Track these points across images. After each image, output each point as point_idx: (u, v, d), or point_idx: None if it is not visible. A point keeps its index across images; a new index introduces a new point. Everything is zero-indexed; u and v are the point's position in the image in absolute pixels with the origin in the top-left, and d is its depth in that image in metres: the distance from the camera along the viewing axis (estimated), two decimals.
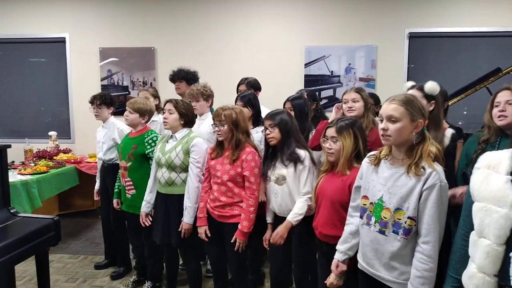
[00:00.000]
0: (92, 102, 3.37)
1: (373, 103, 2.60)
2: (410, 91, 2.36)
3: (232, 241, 2.39)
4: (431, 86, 2.28)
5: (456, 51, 4.96)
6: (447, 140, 2.28)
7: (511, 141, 1.88)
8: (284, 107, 2.94)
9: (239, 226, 2.37)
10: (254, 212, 2.38)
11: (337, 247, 1.88)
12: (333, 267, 1.88)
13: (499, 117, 1.96)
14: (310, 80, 5.05)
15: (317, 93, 4.58)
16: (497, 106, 1.99)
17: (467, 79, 4.18)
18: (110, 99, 3.42)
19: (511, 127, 1.94)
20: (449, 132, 2.31)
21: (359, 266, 1.78)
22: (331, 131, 2.03)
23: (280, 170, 2.34)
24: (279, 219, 2.43)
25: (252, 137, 2.54)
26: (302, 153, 2.32)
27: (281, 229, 2.31)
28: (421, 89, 2.32)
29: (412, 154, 1.59)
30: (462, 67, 4.92)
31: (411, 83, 2.54)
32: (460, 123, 4.82)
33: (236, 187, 2.41)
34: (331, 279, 1.89)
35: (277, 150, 2.40)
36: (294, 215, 2.28)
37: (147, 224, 2.80)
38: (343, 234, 1.88)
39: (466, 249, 1.38)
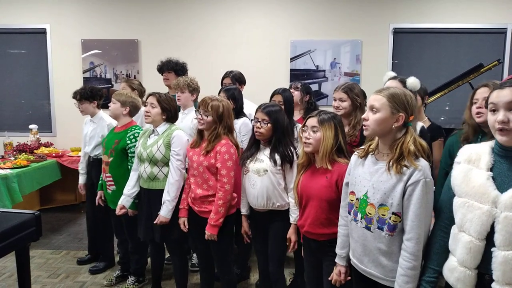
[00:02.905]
0: (75, 97, 3.29)
1: (361, 101, 2.58)
2: (390, 81, 2.39)
3: (206, 237, 2.36)
4: (413, 82, 2.31)
5: (439, 46, 5.03)
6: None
7: (489, 139, 1.91)
8: (271, 99, 2.89)
9: (208, 219, 2.35)
10: (223, 205, 2.33)
11: (337, 251, 1.84)
12: (337, 273, 1.84)
13: (477, 113, 1.99)
14: (295, 74, 5.05)
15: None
16: (475, 103, 2.01)
17: (450, 75, 4.25)
18: (91, 92, 3.29)
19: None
20: (418, 125, 2.29)
21: (351, 262, 1.76)
22: (312, 121, 1.99)
23: (262, 163, 2.31)
24: (255, 213, 2.43)
25: (235, 134, 2.51)
26: (293, 150, 2.30)
27: (293, 236, 2.28)
28: (402, 82, 2.34)
29: (392, 150, 1.57)
30: (444, 62, 5.00)
31: (392, 73, 2.55)
32: (442, 118, 4.91)
33: (211, 179, 2.37)
34: (335, 277, 1.87)
35: (260, 144, 2.38)
36: (295, 217, 2.26)
37: (120, 213, 2.74)
38: (339, 238, 1.83)
39: (446, 240, 1.41)
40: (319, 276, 2.06)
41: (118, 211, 2.74)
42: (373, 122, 1.57)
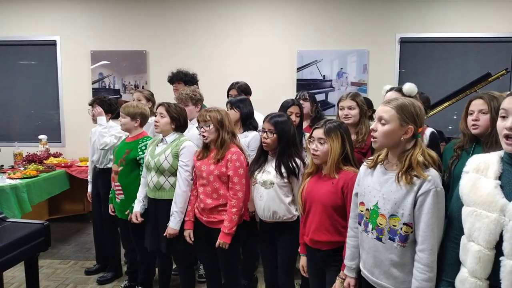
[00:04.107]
0: (91, 104, 3.34)
1: (366, 108, 2.60)
2: (390, 94, 2.40)
3: (217, 244, 2.35)
4: (409, 87, 2.32)
5: (446, 56, 5.01)
6: (425, 140, 2.30)
7: (483, 148, 1.91)
8: (286, 110, 2.86)
9: (221, 227, 2.35)
10: (236, 213, 2.34)
11: (347, 263, 1.81)
12: (346, 285, 1.82)
13: (472, 125, 2.00)
14: (302, 84, 5.06)
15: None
16: (471, 114, 2.02)
17: (458, 84, 4.23)
18: (110, 106, 3.37)
19: (485, 135, 1.97)
20: (428, 131, 2.31)
21: (361, 273, 1.75)
22: (318, 133, 1.98)
23: (269, 175, 2.31)
24: (264, 225, 2.42)
25: (238, 139, 2.53)
26: (299, 162, 2.30)
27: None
28: (399, 90, 2.36)
29: (401, 161, 1.56)
30: (452, 72, 4.98)
31: (389, 86, 2.58)
32: (450, 127, 4.87)
33: (222, 188, 2.38)
34: (337, 287, 1.86)
35: (268, 154, 2.38)
36: None
37: (138, 221, 2.73)
38: (348, 249, 1.81)
39: (457, 251, 1.39)
40: (323, 286, 2.03)
41: (134, 219, 2.73)
42: (381, 134, 1.57)
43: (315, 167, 2.05)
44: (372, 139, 1.62)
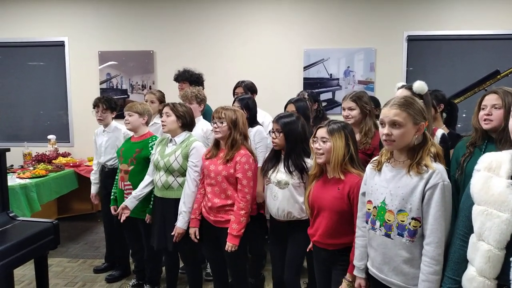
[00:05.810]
0: (96, 105, 3.35)
1: (371, 108, 2.58)
2: (399, 91, 2.38)
3: (226, 248, 2.35)
4: (419, 86, 2.30)
5: (454, 54, 4.98)
6: (436, 141, 2.27)
7: (496, 145, 1.90)
8: (285, 109, 2.90)
9: (229, 229, 2.35)
10: (245, 215, 2.35)
11: (356, 263, 1.81)
12: (357, 286, 1.82)
13: (485, 120, 1.97)
14: (309, 83, 5.06)
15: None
16: (483, 109, 2.00)
17: (466, 82, 4.19)
18: (115, 104, 3.40)
19: (497, 130, 1.95)
20: (439, 132, 2.28)
21: (369, 272, 1.75)
22: (321, 132, 1.99)
23: (283, 174, 2.31)
24: (276, 223, 2.43)
25: (249, 142, 2.53)
26: (309, 162, 2.29)
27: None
28: (409, 88, 2.34)
29: (413, 155, 1.59)
30: (460, 69, 4.94)
31: (401, 83, 2.57)
32: (459, 125, 4.83)
33: (230, 189, 2.39)
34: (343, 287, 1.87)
35: (281, 154, 2.39)
36: None
37: (122, 218, 2.77)
38: (357, 249, 1.81)
39: (465, 249, 1.38)
40: (330, 285, 2.03)
41: (119, 210, 2.77)
42: (399, 137, 1.58)
43: (319, 169, 2.06)
44: (387, 143, 1.61)
